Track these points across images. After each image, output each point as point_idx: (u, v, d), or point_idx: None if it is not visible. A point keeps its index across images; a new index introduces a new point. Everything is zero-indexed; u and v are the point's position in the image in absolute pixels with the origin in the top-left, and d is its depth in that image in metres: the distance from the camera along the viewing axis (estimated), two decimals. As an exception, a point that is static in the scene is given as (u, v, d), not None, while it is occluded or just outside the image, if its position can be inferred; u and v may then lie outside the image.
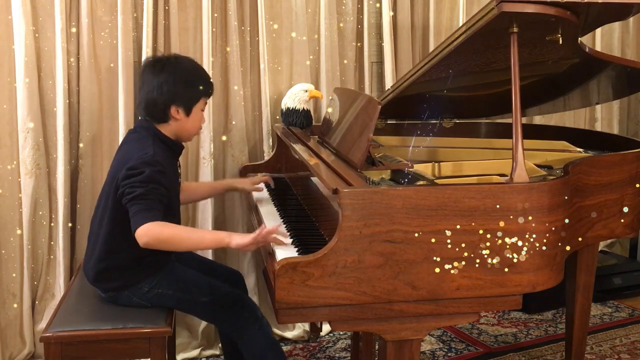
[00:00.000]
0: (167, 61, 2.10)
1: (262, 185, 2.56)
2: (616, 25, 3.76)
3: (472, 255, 1.66)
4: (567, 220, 1.82)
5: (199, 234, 2.16)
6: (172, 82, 2.05)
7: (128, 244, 1.99)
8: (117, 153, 2.15)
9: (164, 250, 2.03)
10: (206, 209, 2.87)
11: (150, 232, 1.88)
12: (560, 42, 1.97)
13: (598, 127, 3.76)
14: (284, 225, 2.07)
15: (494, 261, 1.67)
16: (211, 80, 2.19)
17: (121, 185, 1.96)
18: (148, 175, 1.94)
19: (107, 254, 2.05)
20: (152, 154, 1.98)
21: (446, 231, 1.65)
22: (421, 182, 1.99)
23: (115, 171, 2.04)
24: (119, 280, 2.05)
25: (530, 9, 1.77)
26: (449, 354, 2.92)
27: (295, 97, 2.84)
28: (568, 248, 1.92)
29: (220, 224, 2.93)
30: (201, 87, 2.11)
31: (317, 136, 2.58)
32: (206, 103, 2.17)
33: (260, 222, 2.21)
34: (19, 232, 2.68)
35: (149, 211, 1.90)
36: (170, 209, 2.05)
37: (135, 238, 1.93)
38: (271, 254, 1.83)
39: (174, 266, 2.15)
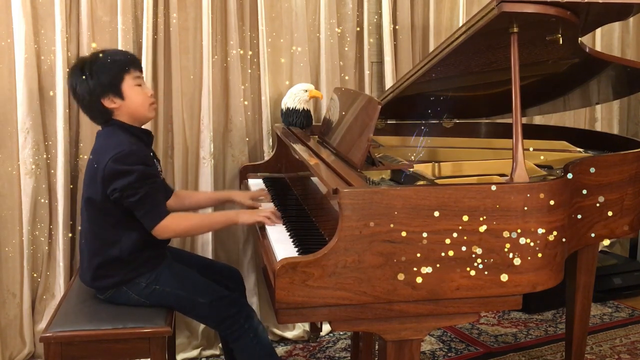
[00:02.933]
0: (77, 64, 2.08)
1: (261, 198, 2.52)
2: (616, 25, 3.76)
3: (472, 255, 1.66)
4: (567, 221, 1.82)
5: (210, 218, 2.22)
6: (86, 80, 2.03)
7: (122, 237, 2.03)
8: (92, 148, 2.13)
9: (159, 244, 2.07)
10: (206, 209, 2.86)
11: (169, 227, 2.02)
12: (560, 42, 1.97)
13: (598, 127, 3.76)
14: (284, 226, 2.07)
15: (494, 261, 1.67)
16: (127, 53, 2.15)
17: (117, 188, 1.96)
18: (141, 172, 1.97)
19: (102, 248, 2.05)
20: (129, 144, 2.00)
21: (446, 231, 1.65)
22: (421, 182, 1.99)
23: (92, 167, 2.04)
24: (116, 275, 2.05)
25: (530, 9, 1.77)
26: (449, 354, 2.92)
27: (295, 97, 2.84)
28: (568, 248, 1.92)
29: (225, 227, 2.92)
30: (115, 66, 2.05)
31: (317, 136, 2.58)
32: (138, 76, 2.09)
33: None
34: (19, 232, 2.68)
35: (157, 208, 2.01)
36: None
37: (130, 233, 2.02)
38: (271, 254, 1.83)
39: (172, 264, 2.16)
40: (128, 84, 2.06)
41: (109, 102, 2.05)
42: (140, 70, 2.13)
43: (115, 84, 2.05)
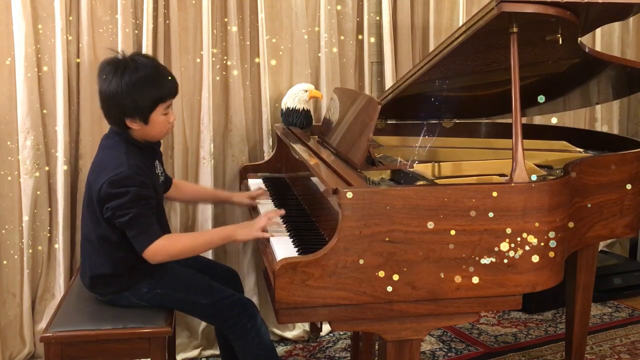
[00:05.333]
0: (117, 65, 1.98)
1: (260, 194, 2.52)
2: (616, 25, 3.76)
3: (471, 255, 1.66)
4: (567, 221, 1.82)
5: (205, 237, 2.15)
6: (121, 94, 1.95)
7: (123, 252, 2.00)
8: (94, 159, 2.11)
9: None
10: (206, 209, 2.87)
11: (161, 251, 1.95)
12: (560, 42, 1.97)
13: (598, 127, 3.76)
14: (284, 226, 2.07)
15: (494, 261, 1.67)
16: (170, 81, 2.05)
17: (109, 207, 1.93)
18: (135, 194, 1.92)
19: (102, 262, 2.04)
20: (128, 166, 1.94)
21: (446, 231, 1.65)
22: (421, 182, 1.98)
23: (91, 182, 2.02)
24: (117, 284, 2.05)
25: (530, 9, 1.77)
26: (449, 354, 2.92)
27: (295, 97, 2.84)
28: (568, 248, 1.93)
29: (220, 224, 2.92)
30: (155, 96, 2.00)
31: (317, 136, 2.58)
32: (169, 105, 2.05)
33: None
34: (19, 232, 2.68)
35: (149, 229, 1.94)
36: (157, 215, 2.05)
37: (131, 248, 1.96)
38: (271, 254, 1.83)
39: (173, 266, 2.15)
40: (157, 113, 2.02)
41: (130, 122, 2.00)
42: (174, 97, 2.08)
43: (146, 111, 2.00)
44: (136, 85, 1.96)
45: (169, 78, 2.07)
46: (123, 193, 1.92)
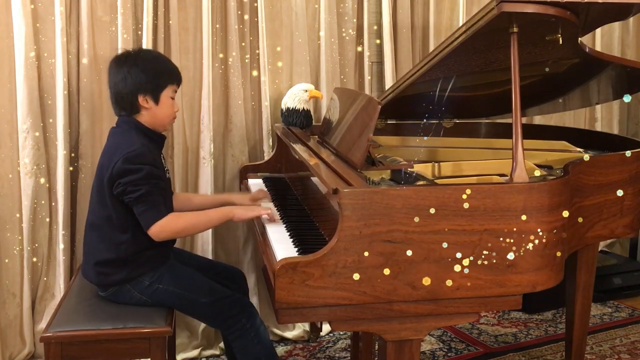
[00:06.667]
0: (129, 54, 2.16)
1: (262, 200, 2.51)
2: (616, 25, 3.76)
3: (471, 255, 1.66)
4: (567, 220, 1.82)
5: (206, 216, 2.21)
6: (136, 72, 2.09)
7: (127, 236, 2.04)
8: (104, 146, 2.17)
9: (164, 243, 2.07)
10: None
11: (166, 228, 2.01)
12: (560, 42, 1.97)
13: (598, 127, 3.76)
14: (284, 226, 2.07)
15: (494, 261, 1.67)
16: (177, 68, 2.22)
17: (121, 182, 1.99)
18: (148, 172, 2.00)
19: (107, 247, 2.06)
20: (140, 146, 2.03)
21: (446, 231, 1.65)
22: (421, 182, 1.98)
23: (103, 165, 2.07)
24: (120, 273, 2.06)
25: (530, 9, 1.77)
26: (449, 354, 2.92)
27: (295, 97, 2.85)
28: (568, 248, 1.93)
29: (221, 226, 2.92)
30: (166, 75, 2.15)
31: (317, 136, 2.58)
32: (175, 91, 2.19)
33: (260, 222, 2.20)
34: (19, 232, 2.68)
35: (156, 207, 2.01)
36: (165, 200, 2.10)
37: (136, 231, 2.02)
38: (271, 254, 1.83)
39: (175, 264, 2.17)
40: (166, 94, 2.15)
41: (143, 101, 2.11)
42: (179, 84, 2.22)
43: (158, 88, 2.12)
44: (149, 64, 2.12)
45: (174, 65, 2.25)
46: (137, 169, 1.99)
